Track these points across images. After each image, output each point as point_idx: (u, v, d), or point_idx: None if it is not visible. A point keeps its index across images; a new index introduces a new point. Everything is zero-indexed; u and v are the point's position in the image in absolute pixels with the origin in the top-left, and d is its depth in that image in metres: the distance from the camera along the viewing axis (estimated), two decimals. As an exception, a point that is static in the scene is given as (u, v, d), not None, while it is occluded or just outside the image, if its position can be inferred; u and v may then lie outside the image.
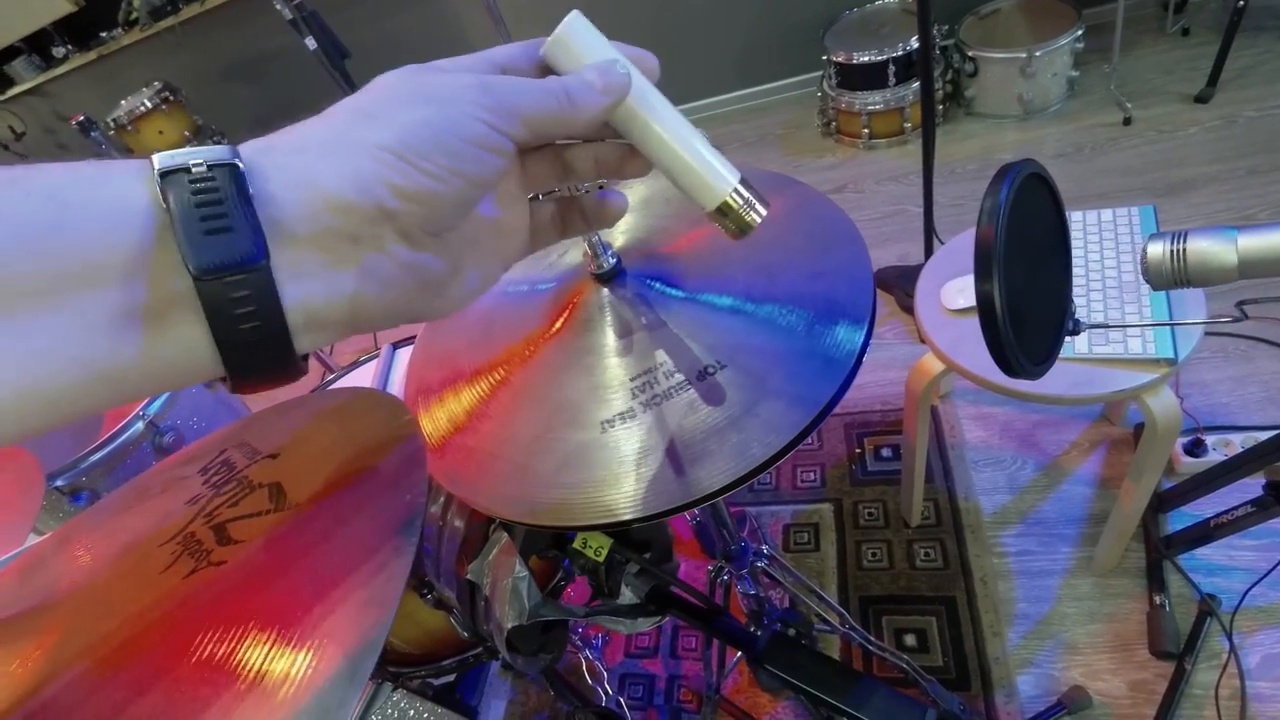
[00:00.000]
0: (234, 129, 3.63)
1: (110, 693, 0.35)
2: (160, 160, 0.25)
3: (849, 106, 2.57)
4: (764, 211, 0.39)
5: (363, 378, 1.29)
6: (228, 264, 0.25)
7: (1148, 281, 0.46)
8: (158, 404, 1.50)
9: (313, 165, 0.27)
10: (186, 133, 3.33)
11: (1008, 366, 0.45)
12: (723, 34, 2.98)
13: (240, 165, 0.26)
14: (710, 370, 0.56)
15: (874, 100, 2.51)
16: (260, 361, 0.27)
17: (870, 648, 1.24)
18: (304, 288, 0.27)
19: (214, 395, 1.71)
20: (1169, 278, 0.45)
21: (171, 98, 3.28)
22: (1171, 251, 0.44)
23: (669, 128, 0.36)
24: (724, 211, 0.38)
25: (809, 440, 1.86)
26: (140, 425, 1.47)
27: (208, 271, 0.25)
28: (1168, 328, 1.05)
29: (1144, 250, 0.45)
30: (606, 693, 1.43)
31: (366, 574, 0.35)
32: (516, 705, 1.62)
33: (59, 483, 1.41)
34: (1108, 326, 0.67)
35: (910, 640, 1.45)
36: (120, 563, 0.46)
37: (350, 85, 2.04)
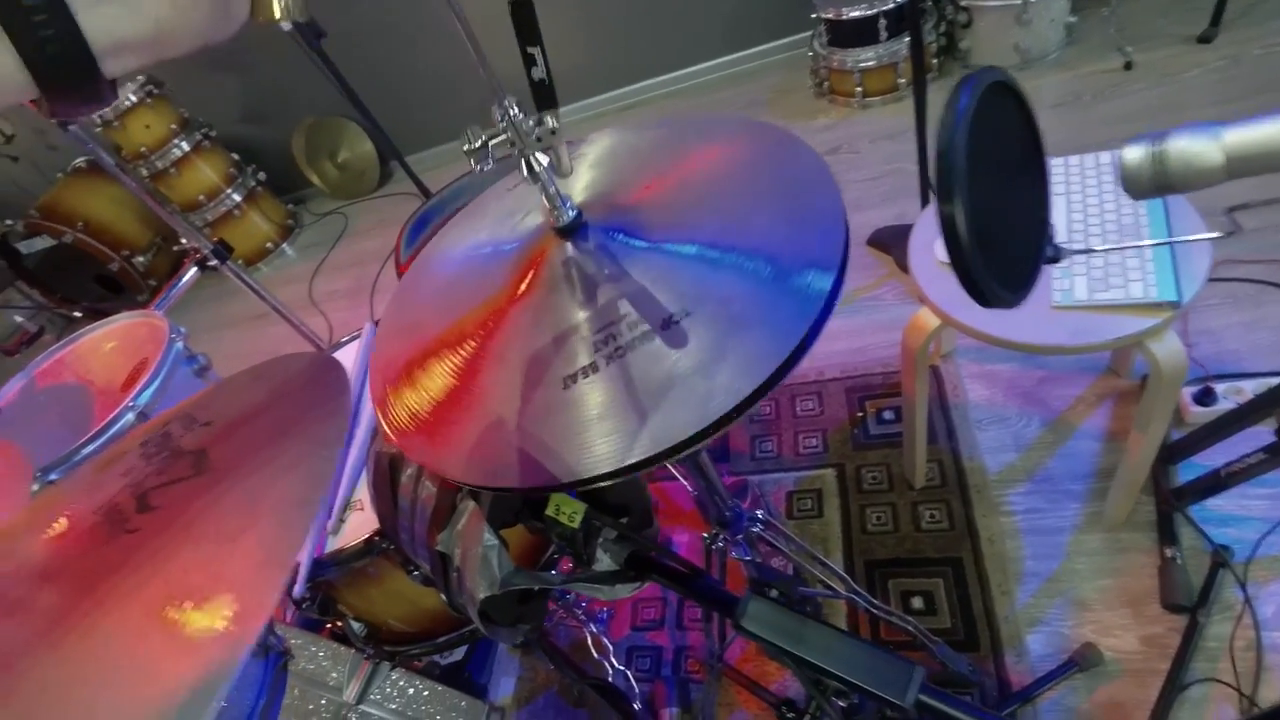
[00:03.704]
0: (220, 119, 3.59)
1: (30, 658, 0.34)
2: None
3: (841, 65, 2.51)
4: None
5: (346, 356, 1.27)
6: None
7: (1126, 190, 0.43)
8: (147, 395, 1.49)
9: None
10: (173, 125, 3.30)
11: (978, 293, 0.42)
12: (708, -2, 2.91)
13: None
14: (675, 319, 0.54)
15: (866, 57, 2.45)
16: (68, 79, 0.31)
17: (876, 612, 1.22)
18: (104, 11, 0.30)
19: (205, 386, 1.70)
20: (1149, 184, 0.41)
21: (156, 91, 3.24)
22: (1151, 154, 0.40)
23: None
24: None
25: (810, 406, 1.83)
26: (131, 417, 1.46)
27: None
28: (1171, 272, 1.01)
29: (1120, 156, 0.42)
30: (613, 666, 1.42)
31: (271, 533, 0.33)
32: (525, 682, 1.61)
33: (53, 476, 1.40)
34: (1090, 252, 0.64)
35: (917, 603, 1.43)
36: (56, 538, 0.44)
37: (328, 64, 2.01)
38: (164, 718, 0.27)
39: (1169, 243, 0.84)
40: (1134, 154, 0.41)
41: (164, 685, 0.29)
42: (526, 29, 0.49)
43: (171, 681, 0.29)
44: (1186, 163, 0.39)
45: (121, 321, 1.78)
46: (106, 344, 1.75)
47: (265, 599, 0.30)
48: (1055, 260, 0.49)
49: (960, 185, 0.38)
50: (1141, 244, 0.84)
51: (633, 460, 0.48)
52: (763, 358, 0.49)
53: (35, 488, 1.31)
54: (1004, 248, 0.43)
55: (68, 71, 0.30)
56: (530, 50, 0.50)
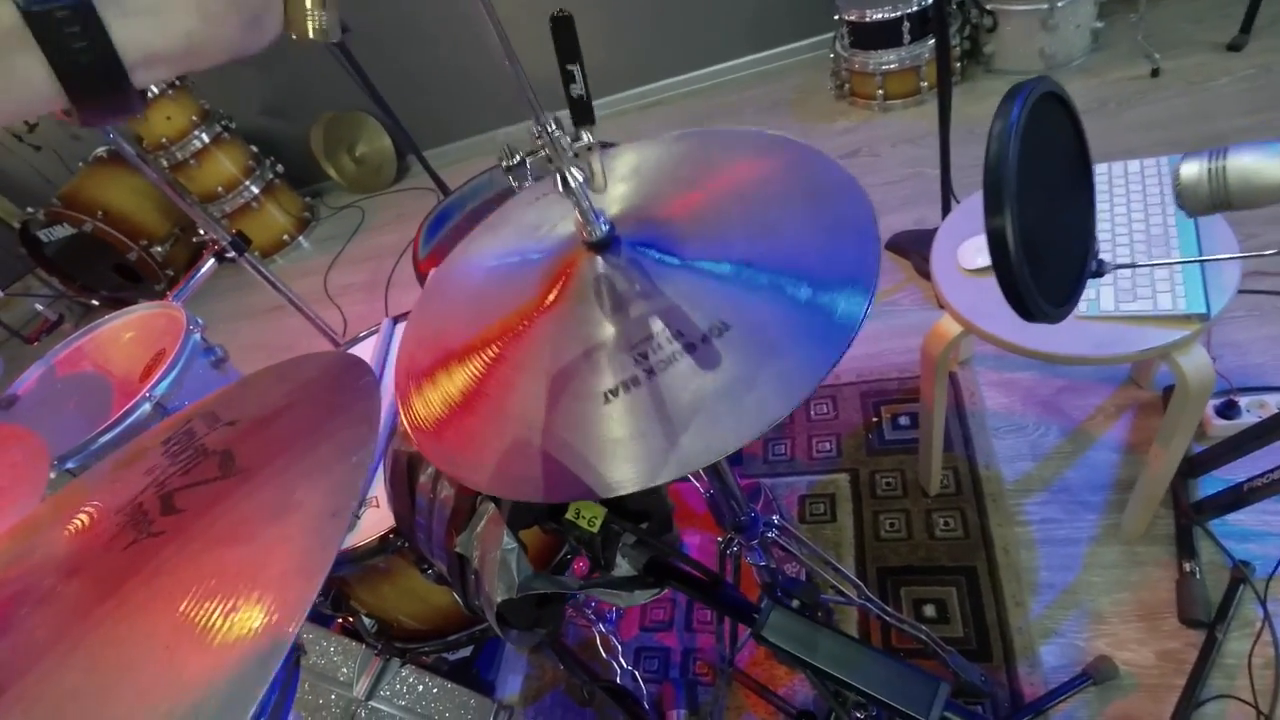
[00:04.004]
0: (239, 112, 3.61)
1: (47, 660, 0.34)
2: None
3: (862, 67, 2.49)
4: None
5: (362, 352, 1.27)
6: None
7: (1181, 207, 0.42)
8: (164, 385, 1.49)
9: None
10: (194, 117, 3.31)
11: (1023, 309, 0.41)
12: (731, -3, 2.89)
13: None
14: (707, 339, 0.53)
15: (888, 59, 2.43)
16: (98, 90, 0.31)
17: (888, 619, 1.21)
18: (136, 24, 0.30)
19: (222, 377, 1.71)
20: (1206, 200, 0.40)
21: (178, 83, 3.25)
22: (1210, 170, 0.39)
23: None
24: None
25: (825, 409, 1.82)
26: (148, 407, 1.46)
27: (34, 2, 0.28)
28: (1200, 284, 1.00)
29: (1176, 172, 0.41)
30: (621, 666, 1.41)
31: (302, 541, 0.33)
32: (533, 680, 1.61)
33: (70, 465, 1.41)
34: (1134, 266, 0.63)
35: (930, 611, 1.42)
36: (79, 534, 0.44)
37: (349, 60, 2.01)
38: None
39: (1215, 259, 0.82)
40: (1191, 170, 0.40)
41: (192, 691, 0.29)
42: (566, 46, 0.49)
43: (199, 688, 0.29)
44: (1246, 180, 0.38)
45: (140, 312, 1.79)
46: (125, 334, 1.76)
47: (296, 609, 0.30)
48: (1099, 274, 0.48)
49: (1010, 198, 0.37)
50: (1188, 260, 0.82)
51: (655, 483, 0.48)
52: (796, 382, 0.49)
53: (52, 475, 1.32)
54: (1049, 262, 0.42)
55: (98, 83, 0.31)
56: (570, 67, 0.49)
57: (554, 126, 0.53)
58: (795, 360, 0.50)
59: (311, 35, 0.39)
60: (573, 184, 0.57)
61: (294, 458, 0.41)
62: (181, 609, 0.33)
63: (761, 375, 0.50)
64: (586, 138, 0.55)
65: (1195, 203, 0.41)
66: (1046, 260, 0.42)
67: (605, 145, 0.71)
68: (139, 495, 0.43)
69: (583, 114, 0.53)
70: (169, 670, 0.31)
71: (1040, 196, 0.41)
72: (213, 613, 0.31)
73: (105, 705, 0.31)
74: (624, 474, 0.50)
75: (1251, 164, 0.39)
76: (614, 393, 0.55)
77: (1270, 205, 0.39)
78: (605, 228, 0.63)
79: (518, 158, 0.55)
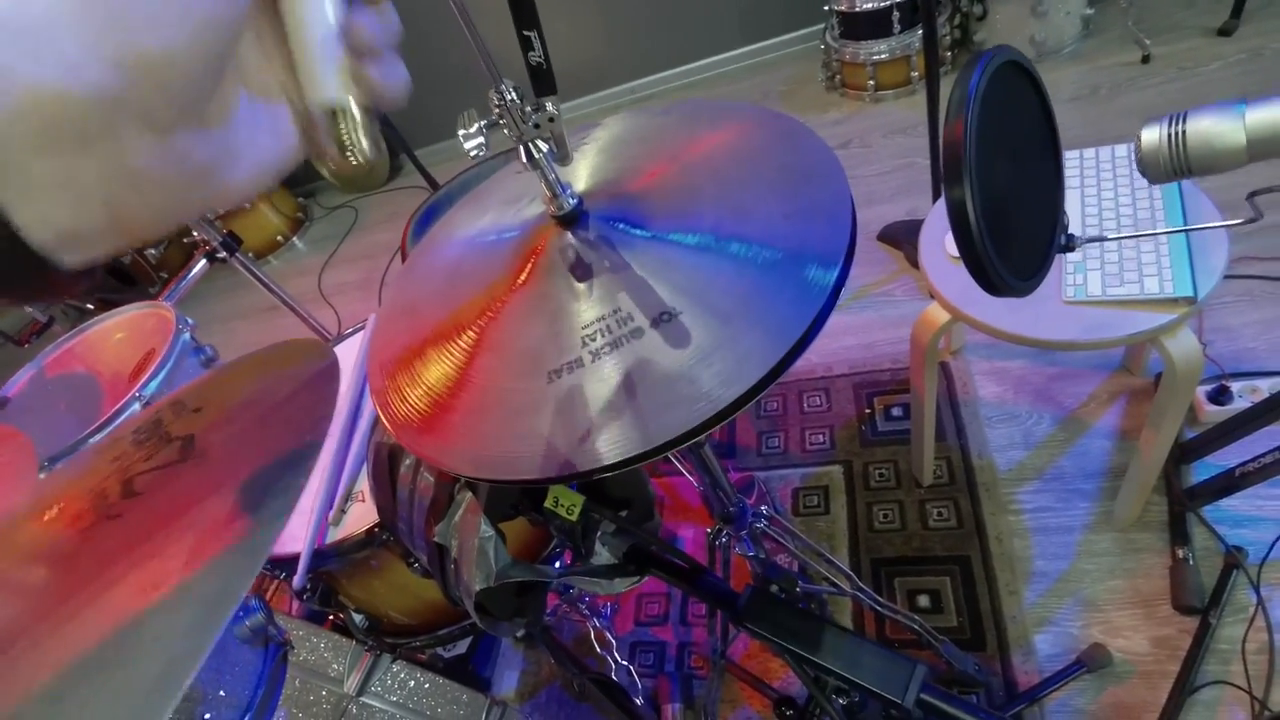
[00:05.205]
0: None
1: (26, 638, 0.34)
2: None
3: (853, 57, 2.48)
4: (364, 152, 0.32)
5: (351, 348, 1.27)
6: None
7: (1143, 174, 0.41)
8: (154, 385, 1.49)
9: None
10: (186, 118, 3.31)
11: (986, 281, 0.41)
12: (721, -11, 2.89)
13: None
14: (674, 312, 0.52)
15: (879, 49, 2.42)
16: (22, 278, 0.25)
17: (881, 610, 1.20)
18: (39, 205, 0.24)
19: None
20: (1167, 167, 0.40)
21: (169, 83, 3.25)
22: (1169, 135, 0.39)
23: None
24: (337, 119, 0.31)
25: (818, 402, 1.81)
26: (137, 406, 1.46)
27: None
28: (1187, 267, 0.99)
29: (1138, 138, 0.40)
30: (616, 661, 1.41)
31: (248, 523, 0.33)
32: (529, 676, 1.61)
33: (59, 466, 1.41)
34: (1104, 240, 0.62)
35: (924, 601, 1.41)
36: (49, 522, 0.44)
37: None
38: (133, 708, 0.27)
39: (1188, 230, 0.81)
40: (1152, 134, 0.40)
41: (126, 670, 0.29)
42: (523, 11, 0.47)
43: (133, 667, 0.29)
44: (1207, 143, 0.38)
45: (130, 312, 1.79)
46: (115, 334, 1.76)
47: (234, 590, 0.30)
48: (1069, 249, 0.47)
49: (970, 168, 0.36)
50: (1158, 231, 0.82)
51: (627, 455, 0.47)
52: (763, 352, 0.47)
53: (41, 476, 1.32)
54: (1015, 235, 0.42)
55: (13, 269, 0.25)
56: (527, 34, 0.48)
57: (512, 95, 0.52)
58: (763, 329, 0.49)
59: (356, 163, 0.33)
60: (536, 155, 0.56)
61: (252, 442, 0.40)
62: (133, 587, 0.32)
63: (728, 347, 0.49)
64: (549, 108, 0.54)
65: (1156, 170, 0.41)
66: (1011, 233, 0.41)
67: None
68: (103, 481, 0.43)
69: (543, 84, 0.52)
70: (111, 650, 0.30)
71: (1004, 168, 0.40)
72: (152, 592, 0.31)
73: (69, 685, 0.31)
74: (591, 451, 0.48)
75: (1211, 127, 0.38)
76: (577, 367, 0.54)
77: (1231, 169, 0.39)
78: (573, 201, 0.62)
79: (475, 126, 0.54)
